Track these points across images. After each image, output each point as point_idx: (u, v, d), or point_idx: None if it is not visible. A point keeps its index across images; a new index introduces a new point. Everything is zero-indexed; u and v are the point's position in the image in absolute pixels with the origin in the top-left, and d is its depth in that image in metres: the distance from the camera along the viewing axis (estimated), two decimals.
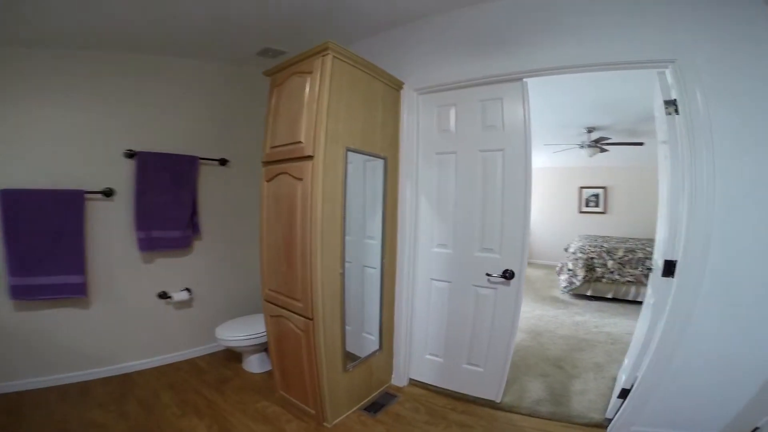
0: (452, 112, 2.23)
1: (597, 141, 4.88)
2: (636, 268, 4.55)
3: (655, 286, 2.06)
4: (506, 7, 2.03)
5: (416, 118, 2.31)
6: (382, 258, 2.31)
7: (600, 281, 4.69)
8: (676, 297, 1.73)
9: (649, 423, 1.87)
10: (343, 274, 1.98)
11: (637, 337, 2.31)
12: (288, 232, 1.97)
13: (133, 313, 2.65)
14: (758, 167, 1.60)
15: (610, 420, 1.99)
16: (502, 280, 2.09)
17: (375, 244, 2.35)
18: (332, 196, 1.88)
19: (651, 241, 5.44)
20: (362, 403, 2.24)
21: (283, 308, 2.07)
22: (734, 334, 1.68)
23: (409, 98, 2.31)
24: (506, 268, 2.09)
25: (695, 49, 1.65)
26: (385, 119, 2.23)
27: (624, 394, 1.95)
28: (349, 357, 2.12)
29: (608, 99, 3.73)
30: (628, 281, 4.53)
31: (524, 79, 2.00)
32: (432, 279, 2.35)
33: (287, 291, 2.03)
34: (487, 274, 2.12)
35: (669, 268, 1.81)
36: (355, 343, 2.22)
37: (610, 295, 4.61)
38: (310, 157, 1.83)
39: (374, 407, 2.21)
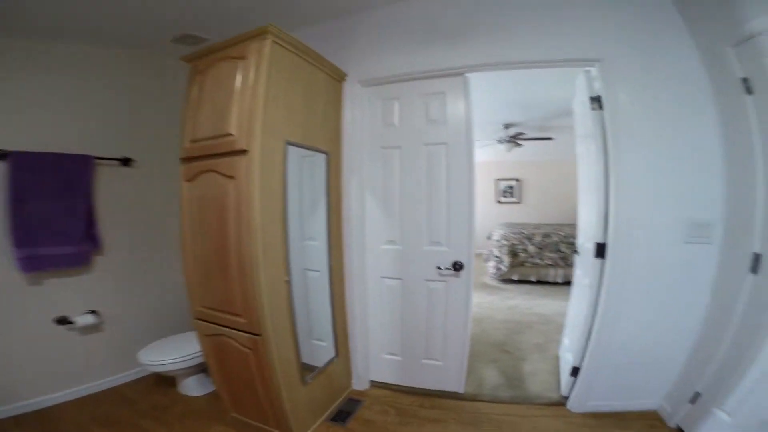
0: (396, 106, 2.17)
1: (514, 136, 5.27)
2: (553, 252, 5.04)
3: (585, 268, 2.25)
4: (450, 1, 2.02)
5: (360, 111, 2.20)
6: (330, 260, 2.16)
7: (524, 266, 5.10)
8: (609, 276, 1.90)
9: (602, 397, 2.03)
10: (289, 282, 1.79)
11: (571, 316, 2.51)
12: (219, 239, 1.71)
13: (27, 344, 2.17)
14: (667, 158, 1.82)
15: (566, 397, 2.13)
16: (452, 272, 2.10)
17: (317, 245, 2.18)
18: (272, 196, 1.68)
19: (562, 226, 6.10)
20: (327, 413, 2.10)
21: (222, 326, 1.81)
22: (658, 307, 1.90)
23: (352, 90, 2.19)
24: (455, 260, 2.09)
25: (617, 50, 1.82)
26: (327, 112, 2.08)
27: (575, 371, 2.09)
28: (305, 368, 1.95)
29: (524, 97, 4.04)
30: (548, 264, 5.00)
31: (465, 74, 2.02)
32: (383, 277, 2.27)
33: (225, 307, 1.77)
34: (438, 268, 2.11)
35: (600, 250, 1.97)
36: (306, 351, 2.04)
37: (533, 278, 5.03)
38: (243, 152, 1.61)
39: (341, 416, 2.09)
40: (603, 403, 2.04)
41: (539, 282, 5.04)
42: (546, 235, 5.30)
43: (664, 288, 1.88)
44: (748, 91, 1.56)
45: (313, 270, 2.20)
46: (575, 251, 2.64)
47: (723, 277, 1.76)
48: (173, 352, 2.20)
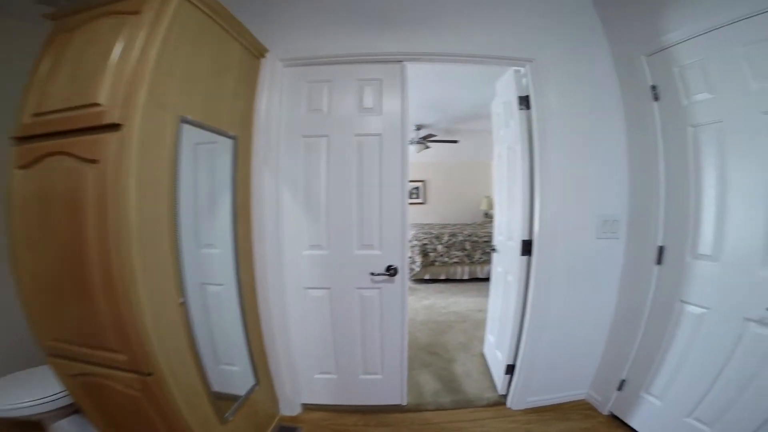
0: (326, 90, 1.87)
1: (424, 138, 5.38)
2: (459, 250, 5.26)
3: (506, 264, 2.28)
4: None
5: (279, 93, 1.84)
6: (238, 271, 1.74)
7: (434, 265, 5.22)
8: (537, 272, 1.92)
9: (538, 391, 2.06)
10: (185, 303, 1.35)
11: (494, 312, 2.54)
12: (72, 249, 1.20)
13: None
14: (584, 159, 1.92)
15: (504, 395, 2.13)
16: (386, 277, 1.89)
17: (218, 253, 1.75)
18: (156, 188, 1.24)
19: (465, 225, 6.47)
20: None
21: (92, 364, 1.28)
22: (578, 300, 1.99)
23: (272, 69, 1.83)
24: (389, 264, 1.90)
25: (547, 52, 1.86)
26: (239, 91, 1.68)
27: (510, 369, 2.09)
28: (222, 400, 1.53)
29: (435, 99, 4.10)
30: (455, 262, 5.20)
31: (404, 62, 1.85)
32: (306, 288, 1.93)
33: (90, 340, 1.26)
34: (372, 274, 1.88)
35: (527, 247, 1.99)
36: (219, 381, 1.60)
37: (443, 277, 5.18)
38: (114, 127, 1.14)
39: None
40: (540, 398, 2.07)
41: (448, 280, 5.21)
42: (452, 235, 5.52)
43: (582, 282, 1.98)
44: (656, 98, 1.71)
45: (213, 284, 1.75)
46: (493, 249, 2.69)
47: (631, 269, 1.92)
48: (27, 393, 1.54)
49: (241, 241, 1.78)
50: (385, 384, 2.04)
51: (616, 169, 1.94)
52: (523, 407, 2.05)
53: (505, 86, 2.19)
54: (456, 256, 5.23)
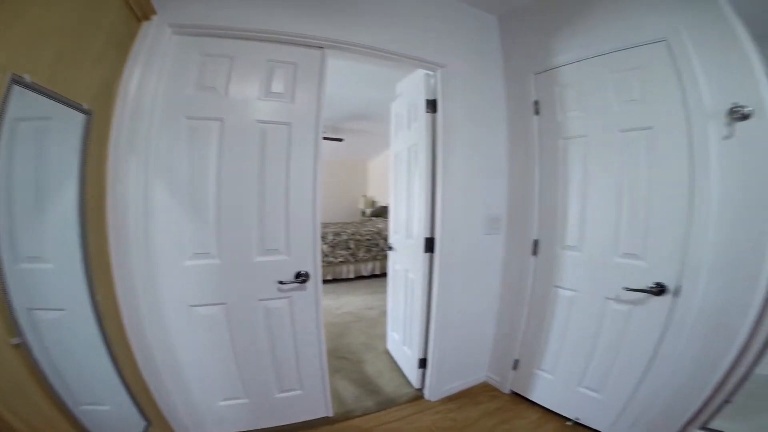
0: (225, 67, 1.55)
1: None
2: (344, 249, 5.24)
3: (405, 262, 2.34)
4: None
5: (161, 63, 1.42)
6: (92, 290, 1.28)
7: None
8: (439, 267, 2.02)
9: (449, 380, 2.17)
10: (24, 345, 0.91)
11: (395, 310, 2.57)
12: None
13: None
14: (476, 162, 2.10)
15: (420, 389, 2.18)
16: (297, 284, 1.69)
17: (52, 270, 1.26)
18: None
19: (347, 224, 6.48)
20: None
21: None
22: (472, 290, 2.17)
23: (157, 34, 1.42)
24: (299, 270, 1.70)
25: (458, 61, 1.97)
26: (105, 54, 1.25)
27: (423, 363, 2.14)
28: None
29: (328, 93, 3.95)
30: (341, 261, 5.15)
31: (326, 49, 1.68)
32: (192, 305, 1.56)
33: None
34: (280, 282, 1.64)
35: (429, 244, 2.07)
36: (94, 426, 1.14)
37: (330, 277, 5.06)
38: None
39: None
40: (451, 386, 2.19)
41: (335, 280, 5.13)
42: (336, 234, 5.46)
43: (474, 273, 2.17)
44: (537, 112, 1.98)
45: (48, 309, 1.25)
46: (390, 247, 2.74)
47: (512, 261, 2.18)
48: None
49: (94, 252, 1.32)
50: (306, 398, 1.85)
51: (499, 172, 2.19)
52: (439, 398, 2.13)
53: (411, 89, 2.23)
54: (341, 256, 5.19)
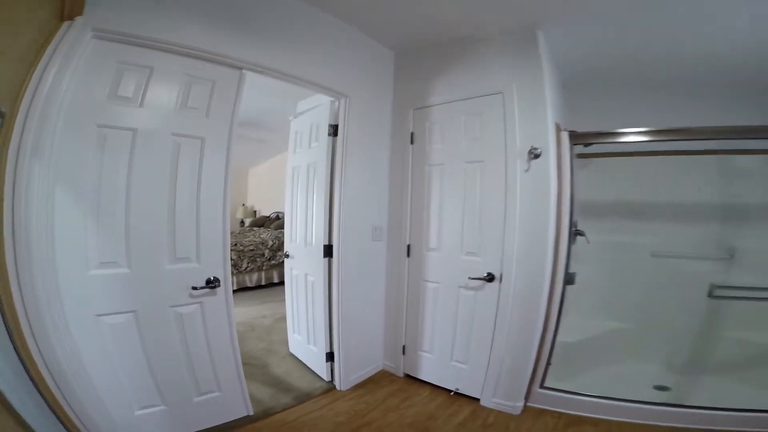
0: (144, 77, 1.58)
1: None
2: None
3: (303, 267, 2.62)
4: None
5: (75, 65, 1.38)
6: None
7: None
8: (338, 270, 2.37)
9: (354, 370, 2.49)
10: None
11: (296, 314, 2.81)
12: None
13: None
14: (366, 181, 2.54)
15: (331, 381, 2.45)
16: (208, 290, 1.80)
17: None
18: None
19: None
20: None
21: None
22: (364, 289, 2.57)
23: (77, 36, 1.37)
24: (209, 276, 1.81)
25: (359, 92, 2.38)
26: (17, 51, 1.20)
27: (330, 357, 2.42)
28: None
29: None
30: None
31: (245, 71, 1.86)
32: (99, 315, 1.52)
33: None
34: (193, 288, 1.73)
35: (328, 250, 2.41)
36: None
37: None
38: None
39: None
40: (357, 375, 2.52)
41: None
42: None
43: (365, 274, 2.58)
44: (412, 141, 2.55)
45: None
46: (286, 255, 2.96)
47: (392, 262, 2.69)
48: None
49: None
50: (226, 399, 1.92)
51: (383, 189, 2.68)
52: (349, 386, 2.44)
53: (315, 111, 2.55)
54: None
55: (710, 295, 2.44)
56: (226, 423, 1.94)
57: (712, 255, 2.60)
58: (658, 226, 2.77)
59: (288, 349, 2.98)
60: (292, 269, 2.87)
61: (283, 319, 3.71)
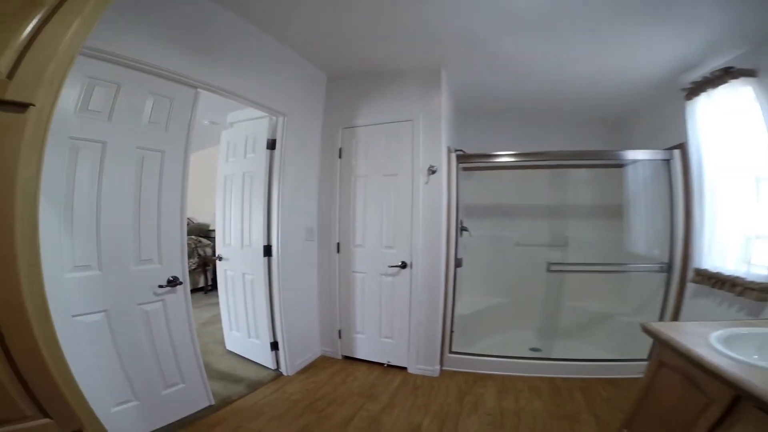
0: (112, 93, 1.73)
1: None
2: None
3: (237, 268, 2.87)
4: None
5: None
6: None
7: None
8: (278, 268, 2.69)
9: (298, 356, 2.80)
10: None
11: (233, 312, 3.01)
12: None
13: None
14: (300, 190, 2.93)
15: (277, 368, 2.73)
16: (170, 288, 1.98)
17: None
18: None
19: None
20: None
21: None
22: (300, 284, 2.94)
23: None
24: (170, 276, 2.00)
25: (296, 111, 2.74)
26: None
27: (275, 346, 2.71)
28: None
29: None
30: None
31: (200, 90, 2.06)
32: (74, 315, 1.61)
33: None
34: (160, 286, 1.91)
35: (267, 250, 2.72)
36: None
37: None
38: None
39: None
40: (300, 361, 2.84)
41: None
42: None
43: (300, 270, 2.95)
44: (340, 156, 3.02)
45: None
46: (219, 257, 3.12)
47: (324, 259, 3.11)
48: None
49: None
50: (190, 391, 2.07)
51: (313, 196, 3.09)
52: (295, 371, 2.74)
53: (250, 123, 2.82)
54: None
55: (548, 270, 3.48)
56: (192, 414, 2.09)
57: (555, 243, 3.70)
58: (521, 223, 3.80)
59: (225, 347, 3.13)
60: (226, 271, 3.05)
61: (209, 322, 3.80)
